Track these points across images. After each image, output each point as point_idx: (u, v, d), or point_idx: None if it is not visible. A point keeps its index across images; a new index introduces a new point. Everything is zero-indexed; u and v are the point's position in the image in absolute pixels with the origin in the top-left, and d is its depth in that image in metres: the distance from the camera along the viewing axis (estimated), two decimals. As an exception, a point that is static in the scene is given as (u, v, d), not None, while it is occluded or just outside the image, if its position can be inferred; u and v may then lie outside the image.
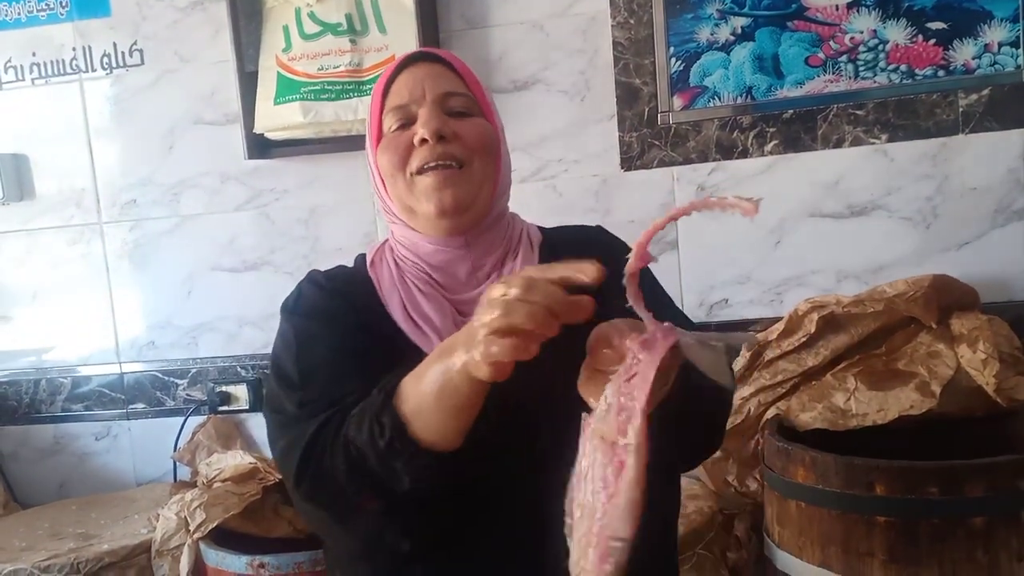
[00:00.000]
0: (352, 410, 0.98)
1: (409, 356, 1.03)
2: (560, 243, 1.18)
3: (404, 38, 2.30)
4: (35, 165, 2.69)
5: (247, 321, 2.56)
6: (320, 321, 1.11)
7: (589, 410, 0.78)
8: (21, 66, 2.65)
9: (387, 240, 1.20)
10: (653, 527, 1.11)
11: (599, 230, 1.25)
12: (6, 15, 2.65)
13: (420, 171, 1.07)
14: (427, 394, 0.88)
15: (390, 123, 1.10)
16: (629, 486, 0.64)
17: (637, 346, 0.70)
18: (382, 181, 1.12)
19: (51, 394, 2.73)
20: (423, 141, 1.07)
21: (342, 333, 1.09)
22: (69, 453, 2.74)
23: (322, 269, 1.22)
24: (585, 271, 0.76)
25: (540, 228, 1.22)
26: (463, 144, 1.08)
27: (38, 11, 2.63)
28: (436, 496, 0.97)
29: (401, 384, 0.92)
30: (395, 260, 1.16)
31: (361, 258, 1.21)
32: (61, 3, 2.61)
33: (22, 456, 2.76)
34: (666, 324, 0.75)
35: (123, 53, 2.58)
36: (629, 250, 0.79)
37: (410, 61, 1.12)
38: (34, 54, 2.64)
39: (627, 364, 0.70)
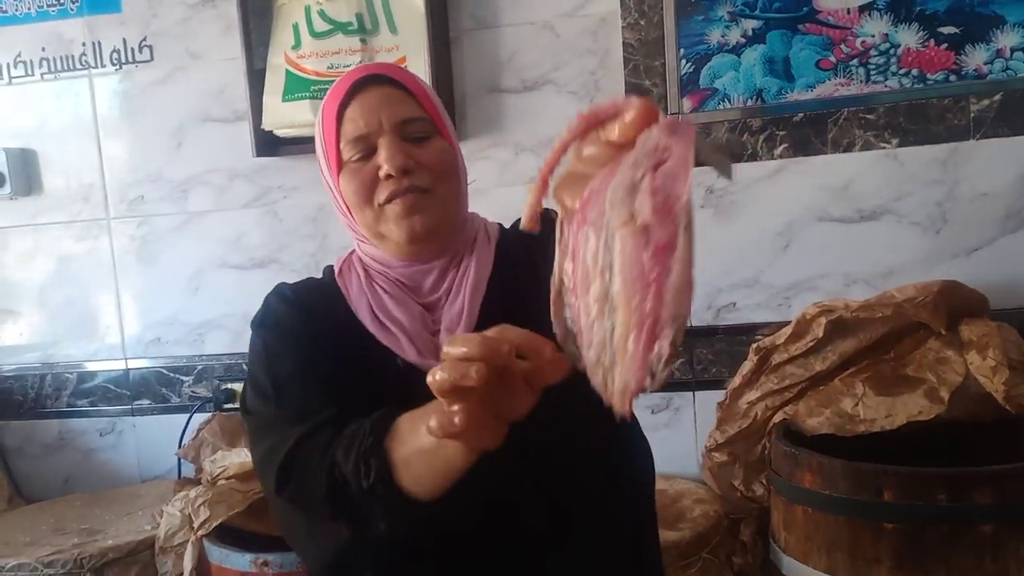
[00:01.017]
0: (332, 428, 0.98)
1: (379, 359, 1.09)
2: (513, 239, 1.20)
3: (414, 38, 2.30)
4: (43, 160, 2.69)
5: (253, 319, 2.56)
6: (286, 337, 1.13)
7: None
8: (31, 61, 2.66)
9: (354, 251, 1.21)
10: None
11: (546, 211, 1.24)
12: (16, 10, 2.65)
13: (388, 201, 1.09)
14: (419, 451, 0.87)
15: (350, 153, 1.10)
16: (682, 263, 0.60)
17: (661, 130, 0.64)
18: (347, 207, 1.13)
19: (57, 389, 2.73)
20: (388, 176, 1.08)
21: (308, 348, 1.11)
22: (74, 449, 2.74)
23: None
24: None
25: (500, 226, 1.23)
26: (427, 171, 1.09)
27: (48, 6, 2.63)
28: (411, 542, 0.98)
29: (397, 425, 0.91)
30: (363, 267, 1.18)
31: (329, 269, 1.23)
32: (71, -1, 2.62)
33: (27, 451, 2.77)
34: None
35: (133, 49, 2.58)
36: None
37: (360, 86, 1.10)
38: (44, 49, 2.65)
39: (648, 150, 0.63)
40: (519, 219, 1.19)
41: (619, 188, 0.62)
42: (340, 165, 1.11)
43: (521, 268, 1.13)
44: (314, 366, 1.09)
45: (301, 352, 1.10)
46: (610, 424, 1.09)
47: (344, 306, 1.14)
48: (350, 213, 1.13)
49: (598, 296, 0.62)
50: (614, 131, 0.69)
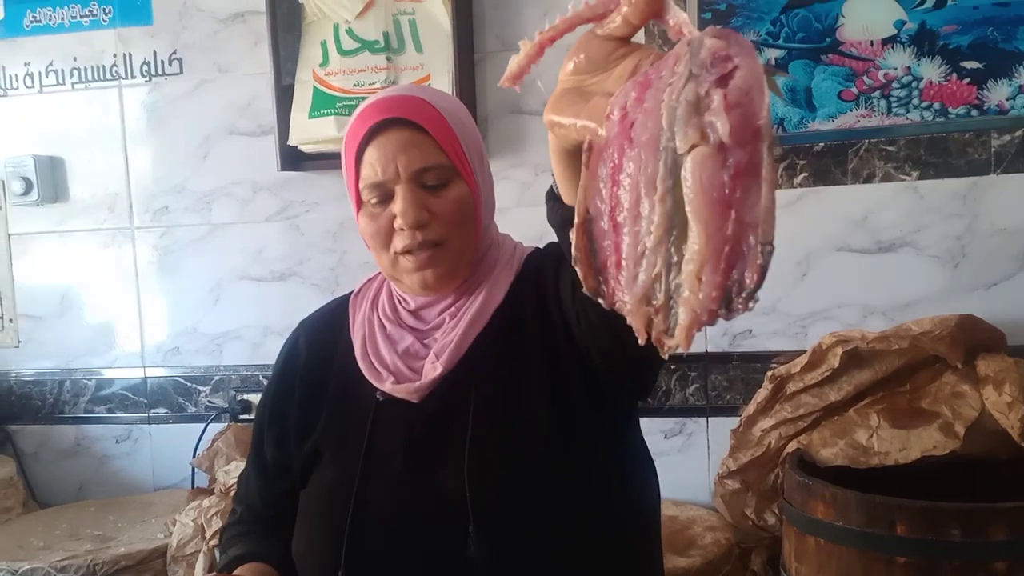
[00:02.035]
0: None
1: (364, 389, 1.15)
2: (532, 263, 1.20)
3: (440, 58, 2.33)
4: (71, 168, 2.73)
5: (271, 331, 2.58)
6: (272, 393, 1.27)
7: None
8: (62, 70, 2.70)
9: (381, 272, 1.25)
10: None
11: (550, 245, 1.23)
12: (50, 19, 2.69)
13: (403, 252, 1.11)
14: None
15: (368, 196, 1.11)
16: (769, 183, 0.54)
17: (713, 39, 0.56)
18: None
19: (75, 395, 2.76)
20: (403, 228, 1.09)
21: (294, 399, 1.23)
22: (89, 455, 2.76)
23: (348, 282, 1.28)
24: None
25: (536, 250, 1.23)
26: (441, 223, 1.10)
27: (81, 17, 2.68)
28: None
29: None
30: (376, 292, 1.23)
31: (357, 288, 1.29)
32: (104, 10, 2.66)
33: (43, 456, 2.79)
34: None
35: (163, 62, 2.62)
36: None
37: (380, 128, 1.09)
38: (75, 59, 2.69)
39: (702, 61, 0.55)
40: (550, 243, 1.20)
41: (678, 105, 0.55)
42: (360, 204, 1.13)
43: (530, 297, 1.14)
44: (291, 419, 1.22)
45: (284, 404, 1.23)
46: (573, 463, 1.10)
47: (347, 333, 1.21)
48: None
49: (658, 224, 0.56)
50: (613, 21, 0.62)
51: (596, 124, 0.59)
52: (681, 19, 0.61)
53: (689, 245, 0.55)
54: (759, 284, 0.54)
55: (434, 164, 1.09)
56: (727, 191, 0.53)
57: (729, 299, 0.54)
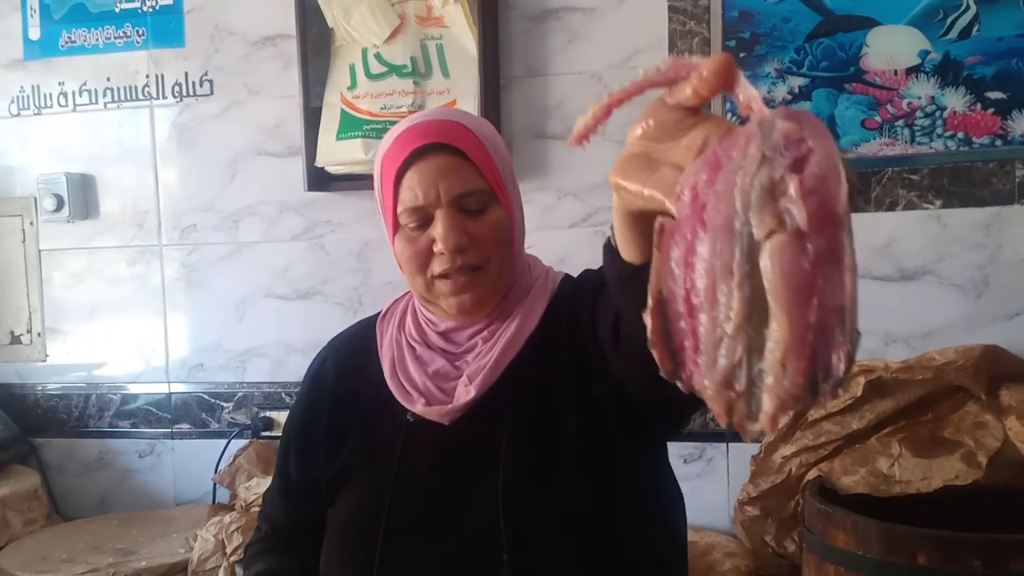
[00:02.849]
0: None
1: (393, 410, 1.15)
2: (565, 288, 1.20)
3: (466, 82, 2.36)
4: (101, 186, 2.77)
5: (295, 349, 2.60)
6: (299, 413, 1.28)
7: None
8: (95, 90, 2.75)
9: (408, 292, 1.25)
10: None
11: (585, 272, 1.23)
12: (85, 40, 2.75)
13: (441, 276, 1.11)
14: None
15: (406, 220, 1.11)
16: (851, 270, 0.53)
17: (785, 120, 0.55)
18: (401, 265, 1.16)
19: (100, 409, 2.79)
20: (442, 252, 1.10)
21: (325, 414, 1.23)
22: (113, 469, 2.79)
23: (371, 302, 1.28)
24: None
25: (565, 276, 1.23)
26: (480, 247, 1.11)
27: (115, 38, 2.73)
28: None
29: None
30: (402, 314, 1.23)
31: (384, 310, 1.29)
32: (138, 32, 2.71)
33: (67, 469, 2.82)
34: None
35: (194, 83, 2.67)
36: None
37: (420, 152, 1.09)
38: (108, 79, 2.74)
39: (775, 144, 0.55)
40: (586, 270, 1.21)
41: (752, 190, 0.55)
42: (396, 228, 1.13)
43: (564, 324, 1.14)
44: (319, 439, 1.22)
45: (311, 423, 1.24)
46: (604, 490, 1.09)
47: (375, 354, 1.21)
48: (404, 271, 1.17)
49: (737, 311, 0.55)
50: (684, 91, 0.62)
51: (663, 196, 0.59)
52: (751, 94, 0.61)
53: (771, 331, 0.54)
54: (847, 371, 0.53)
55: (474, 189, 1.10)
56: (809, 278, 0.53)
57: (815, 386, 0.53)
